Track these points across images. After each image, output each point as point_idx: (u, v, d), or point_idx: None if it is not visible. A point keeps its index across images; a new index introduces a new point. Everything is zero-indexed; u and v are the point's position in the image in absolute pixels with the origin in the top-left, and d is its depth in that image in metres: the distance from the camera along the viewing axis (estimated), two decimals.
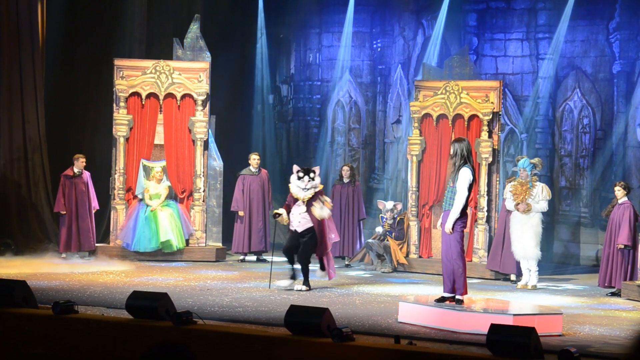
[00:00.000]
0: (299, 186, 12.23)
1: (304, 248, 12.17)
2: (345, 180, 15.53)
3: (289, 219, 12.29)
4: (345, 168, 15.69)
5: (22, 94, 15.84)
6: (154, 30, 17.57)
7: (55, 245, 15.28)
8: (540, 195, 13.19)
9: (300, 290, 12.02)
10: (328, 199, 12.59)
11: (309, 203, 12.17)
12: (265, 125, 19.84)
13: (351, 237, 15.47)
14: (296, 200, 12.26)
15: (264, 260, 15.31)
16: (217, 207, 15.91)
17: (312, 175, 12.22)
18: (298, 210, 12.22)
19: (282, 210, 12.35)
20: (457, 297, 9.93)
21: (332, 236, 12.48)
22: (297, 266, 12.33)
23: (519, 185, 13.20)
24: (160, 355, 4.17)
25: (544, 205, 13.24)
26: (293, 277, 12.32)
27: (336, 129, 19.37)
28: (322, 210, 12.15)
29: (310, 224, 12.18)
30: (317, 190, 12.23)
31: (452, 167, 10.12)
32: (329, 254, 12.44)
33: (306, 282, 12.23)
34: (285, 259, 12.62)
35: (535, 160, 13.60)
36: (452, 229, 9.91)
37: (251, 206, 15.57)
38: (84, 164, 14.98)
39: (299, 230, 12.20)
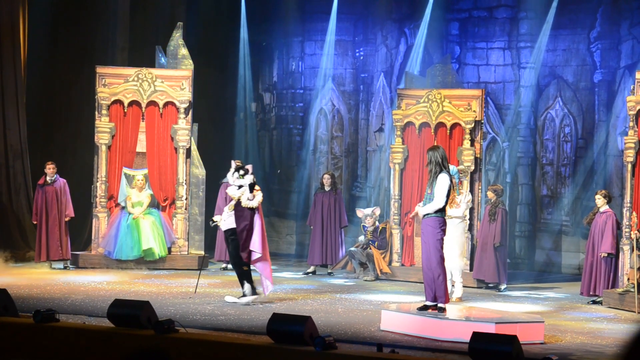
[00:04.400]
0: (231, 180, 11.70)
1: (231, 256, 11.66)
2: (327, 188, 15.54)
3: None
4: (326, 176, 15.70)
5: (3, 101, 15.78)
6: (136, 38, 17.53)
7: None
8: (464, 201, 13.04)
9: (236, 303, 11.18)
10: (257, 191, 11.62)
11: (237, 203, 11.52)
12: (247, 133, 19.82)
13: (333, 245, 15.44)
14: (229, 199, 11.74)
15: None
16: (199, 215, 15.87)
17: (241, 172, 11.56)
18: (226, 208, 11.73)
19: (217, 218, 11.99)
20: (439, 305, 9.95)
21: (253, 248, 11.52)
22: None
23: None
24: None
25: (462, 210, 12.88)
26: (253, 292, 11.59)
27: (319, 137, 19.37)
28: (251, 201, 11.49)
29: (233, 225, 11.54)
30: (246, 190, 11.48)
31: (429, 174, 10.19)
32: (260, 265, 11.62)
33: (254, 291, 11.45)
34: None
35: (462, 167, 13.69)
36: (430, 232, 9.96)
37: None
38: (53, 170, 14.74)
39: (223, 228, 11.68)
